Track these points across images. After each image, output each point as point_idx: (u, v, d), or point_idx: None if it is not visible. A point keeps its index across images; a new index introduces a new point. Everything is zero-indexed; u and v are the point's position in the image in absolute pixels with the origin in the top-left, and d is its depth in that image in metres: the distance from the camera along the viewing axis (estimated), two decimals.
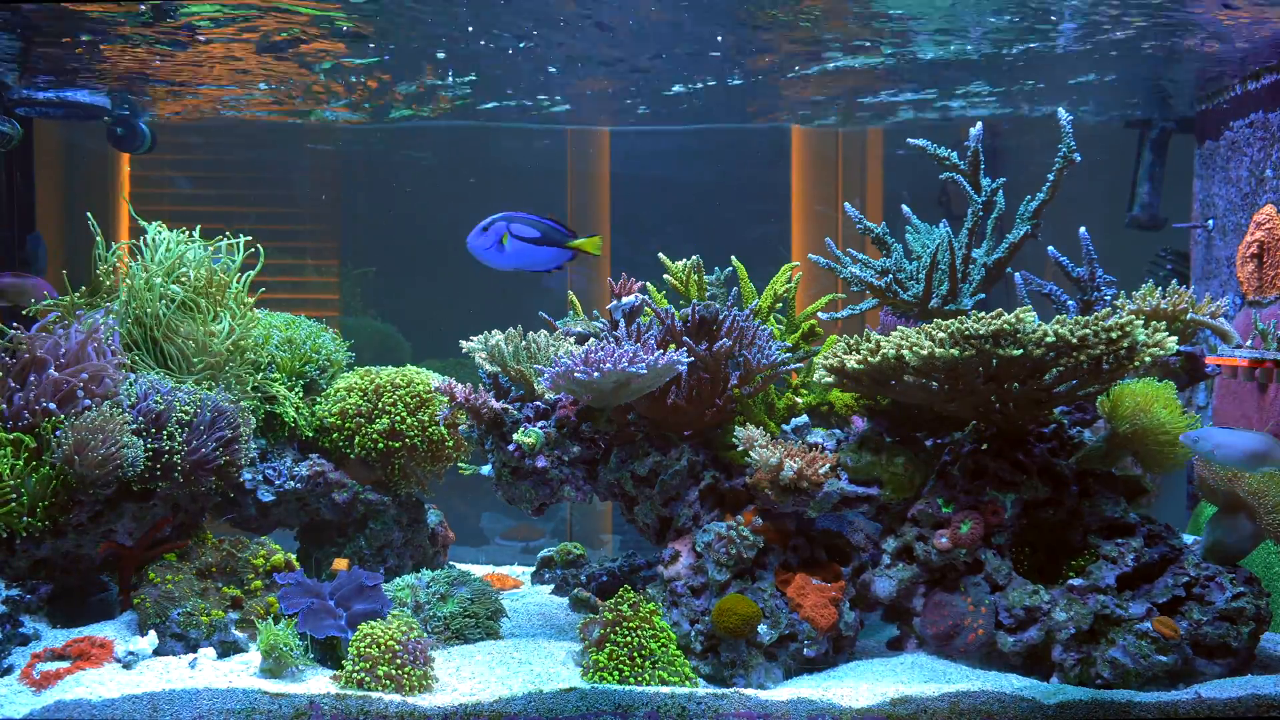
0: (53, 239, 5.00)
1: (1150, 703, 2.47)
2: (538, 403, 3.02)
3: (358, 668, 2.56)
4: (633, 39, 4.01)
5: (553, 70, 4.47)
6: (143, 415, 2.87)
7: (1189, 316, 3.01)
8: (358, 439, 3.33)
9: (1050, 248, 3.23)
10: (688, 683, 2.61)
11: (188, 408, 2.92)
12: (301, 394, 3.42)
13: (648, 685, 2.56)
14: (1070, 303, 3.20)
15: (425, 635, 2.70)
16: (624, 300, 3.15)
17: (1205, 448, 2.58)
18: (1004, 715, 2.47)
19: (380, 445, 3.33)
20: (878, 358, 2.66)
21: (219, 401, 3.00)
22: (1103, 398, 2.77)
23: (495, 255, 3.11)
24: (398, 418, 3.34)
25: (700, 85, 4.68)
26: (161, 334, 3.17)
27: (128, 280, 3.22)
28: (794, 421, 3.03)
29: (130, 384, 2.98)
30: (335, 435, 3.35)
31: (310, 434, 3.39)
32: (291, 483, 3.25)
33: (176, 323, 3.19)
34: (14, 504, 2.75)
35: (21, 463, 2.77)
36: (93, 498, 2.83)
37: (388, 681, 2.53)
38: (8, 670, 2.64)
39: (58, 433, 2.78)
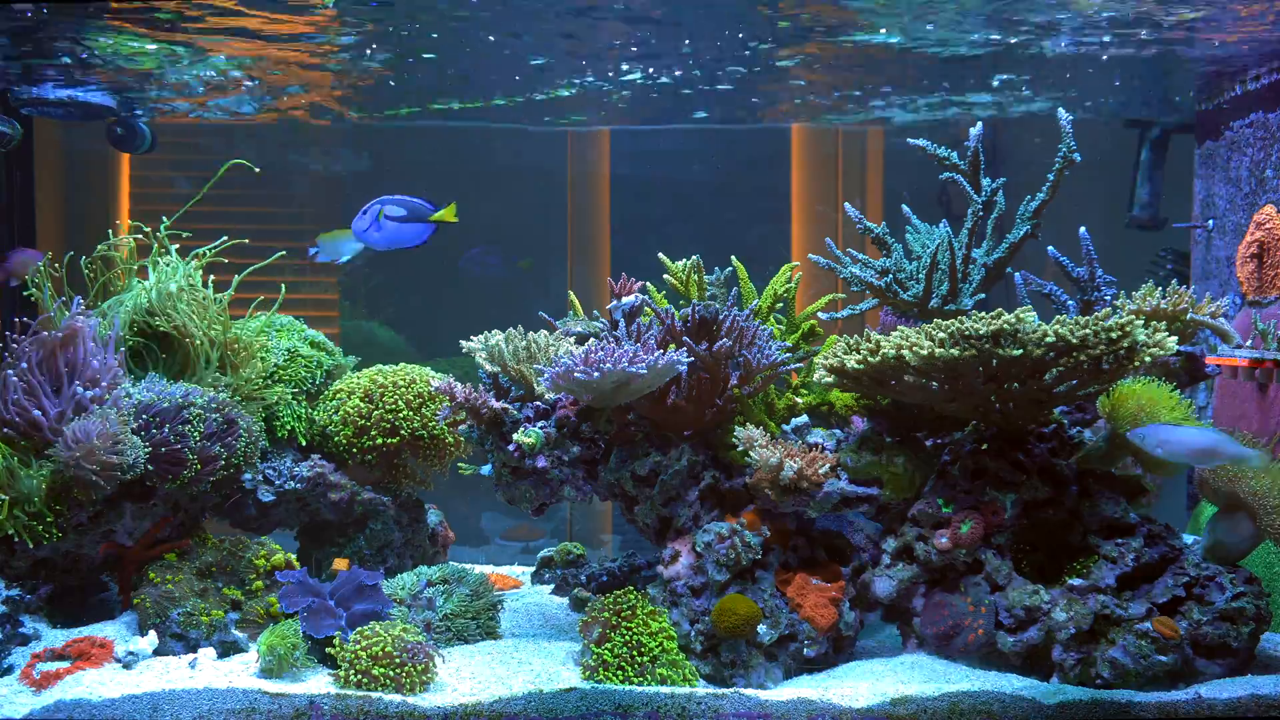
0: (52, 239, 5.00)
1: (1150, 703, 2.47)
2: (538, 403, 3.02)
3: (357, 668, 2.56)
4: (633, 38, 4.01)
5: (555, 68, 4.47)
6: (148, 417, 2.87)
7: (1189, 316, 3.00)
8: (358, 442, 3.33)
9: (1050, 248, 3.23)
10: (688, 682, 2.61)
11: (199, 412, 2.92)
12: (304, 400, 3.42)
13: (648, 685, 2.56)
14: (1070, 303, 3.20)
15: (424, 635, 2.70)
16: (624, 300, 3.15)
17: (1151, 444, 2.57)
18: (1004, 715, 2.47)
19: (380, 443, 3.33)
20: (878, 358, 2.66)
21: (221, 403, 3.00)
22: (1103, 398, 2.77)
23: (372, 237, 3.30)
24: (399, 417, 3.34)
25: (700, 84, 4.68)
26: (173, 328, 3.18)
27: (146, 283, 3.23)
28: (794, 421, 3.03)
29: (135, 387, 2.98)
30: (337, 439, 3.35)
31: (304, 441, 3.39)
32: (292, 483, 3.25)
33: (193, 327, 3.20)
34: (18, 507, 2.75)
35: (11, 462, 2.76)
36: (92, 498, 2.83)
37: (387, 681, 2.53)
38: (8, 670, 2.64)
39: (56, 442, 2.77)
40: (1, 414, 2.82)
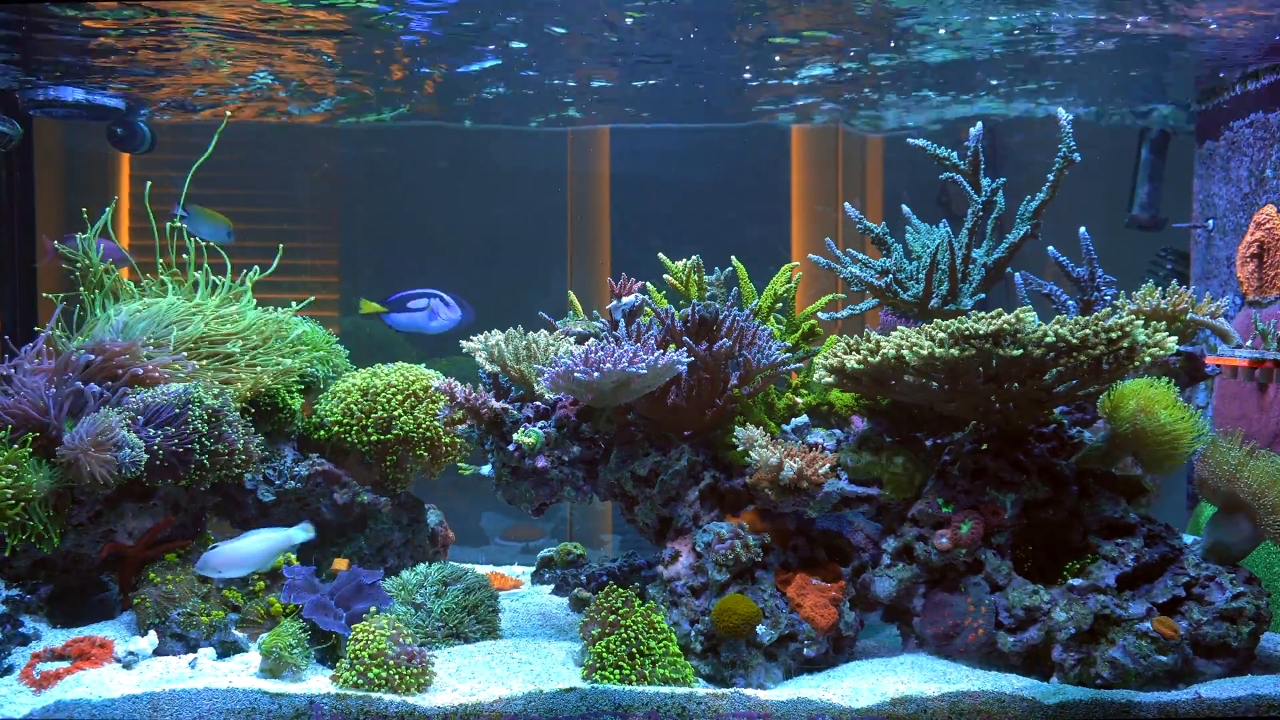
0: (52, 239, 4.99)
1: (1150, 703, 2.47)
2: (538, 403, 3.02)
3: (356, 668, 2.56)
4: (633, 37, 4.01)
5: (555, 68, 4.47)
6: (148, 417, 2.87)
7: (1189, 316, 3.00)
8: (359, 438, 3.33)
9: (1050, 248, 3.22)
10: (687, 682, 2.61)
11: (199, 412, 2.92)
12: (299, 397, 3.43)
13: (648, 685, 2.56)
14: (1070, 303, 3.20)
15: (422, 633, 2.70)
16: (624, 300, 3.15)
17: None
18: (1004, 715, 2.47)
19: (376, 438, 3.32)
20: (878, 358, 2.65)
21: (219, 402, 3.00)
22: (1103, 398, 2.77)
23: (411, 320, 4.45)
24: (396, 415, 3.33)
25: (701, 84, 4.68)
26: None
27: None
28: (794, 421, 3.03)
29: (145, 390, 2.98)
30: (337, 429, 3.35)
31: (299, 437, 3.39)
32: (291, 482, 3.25)
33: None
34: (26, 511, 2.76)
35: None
36: (92, 498, 2.83)
37: (382, 683, 2.53)
38: (8, 670, 2.64)
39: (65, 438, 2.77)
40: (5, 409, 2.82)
